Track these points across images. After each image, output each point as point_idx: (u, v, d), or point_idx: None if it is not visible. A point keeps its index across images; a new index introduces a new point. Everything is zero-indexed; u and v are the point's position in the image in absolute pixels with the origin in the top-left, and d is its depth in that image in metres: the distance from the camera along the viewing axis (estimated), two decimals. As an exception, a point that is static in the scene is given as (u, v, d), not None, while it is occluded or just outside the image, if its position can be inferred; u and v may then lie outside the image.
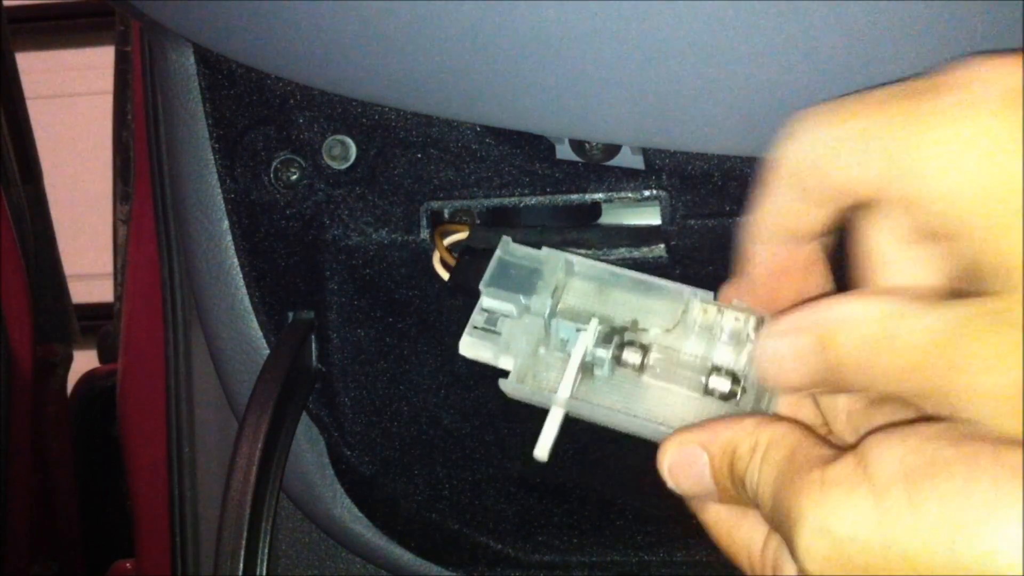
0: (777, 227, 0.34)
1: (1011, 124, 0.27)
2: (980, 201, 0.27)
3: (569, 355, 0.39)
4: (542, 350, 0.40)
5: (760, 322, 0.40)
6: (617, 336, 0.39)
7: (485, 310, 0.40)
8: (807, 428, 0.34)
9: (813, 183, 0.32)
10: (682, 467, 0.35)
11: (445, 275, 0.47)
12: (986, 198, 0.27)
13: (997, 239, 0.27)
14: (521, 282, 0.40)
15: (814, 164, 0.31)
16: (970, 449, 0.27)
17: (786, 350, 0.33)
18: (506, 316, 0.40)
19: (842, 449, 0.31)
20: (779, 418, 0.35)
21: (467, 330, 0.40)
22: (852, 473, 0.29)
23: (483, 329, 0.40)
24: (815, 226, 0.34)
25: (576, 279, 0.42)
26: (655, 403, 0.38)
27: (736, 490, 0.34)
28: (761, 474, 0.32)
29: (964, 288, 0.29)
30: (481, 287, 0.40)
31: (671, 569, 0.57)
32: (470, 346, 0.39)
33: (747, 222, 0.35)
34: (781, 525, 0.31)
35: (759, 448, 0.33)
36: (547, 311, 0.40)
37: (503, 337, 0.39)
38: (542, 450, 0.37)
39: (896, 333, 0.29)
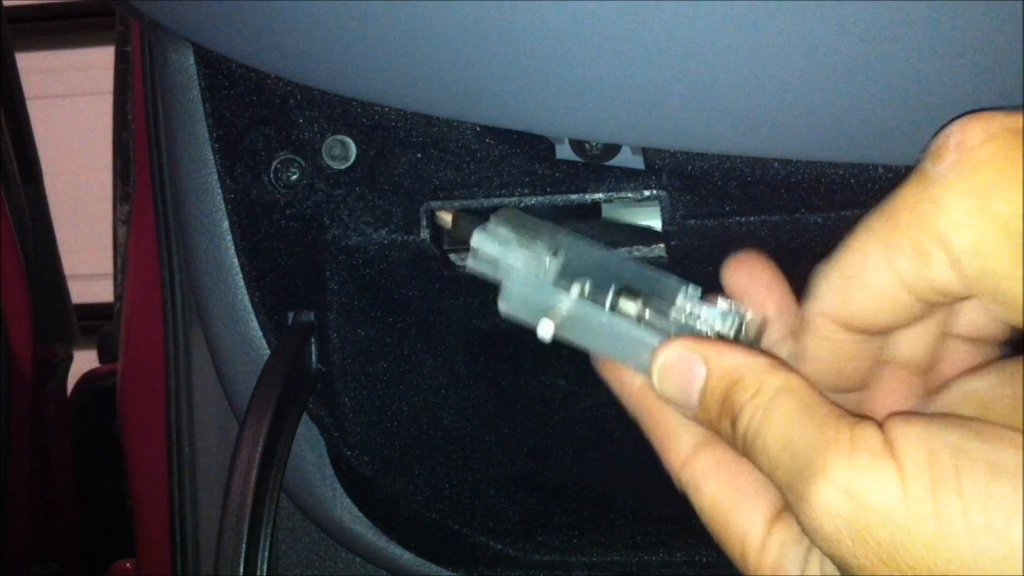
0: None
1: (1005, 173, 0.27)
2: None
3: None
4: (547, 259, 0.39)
5: (741, 325, 0.40)
6: (612, 290, 0.38)
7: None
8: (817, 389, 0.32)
9: (857, 324, 0.32)
10: (675, 370, 0.34)
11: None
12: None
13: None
14: (522, 231, 0.40)
15: (853, 310, 0.31)
16: (992, 448, 0.27)
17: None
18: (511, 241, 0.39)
19: (857, 416, 0.30)
20: (790, 368, 0.33)
21: (478, 227, 0.38)
22: (880, 445, 0.28)
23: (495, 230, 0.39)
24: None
25: (571, 252, 0.41)
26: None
27: (719, 418, 0.33)
28: (766, 417, 0.31)
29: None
30: (486, 226, 0.39)
31: (671, 569, 0.57)
32: (482, 240, 0.38)
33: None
34: (792, 474, 0.29)
35: (767, 389, 0.31)
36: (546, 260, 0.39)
37: (513, 242, 0.38)
38: (545, 330, 0.36)
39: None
